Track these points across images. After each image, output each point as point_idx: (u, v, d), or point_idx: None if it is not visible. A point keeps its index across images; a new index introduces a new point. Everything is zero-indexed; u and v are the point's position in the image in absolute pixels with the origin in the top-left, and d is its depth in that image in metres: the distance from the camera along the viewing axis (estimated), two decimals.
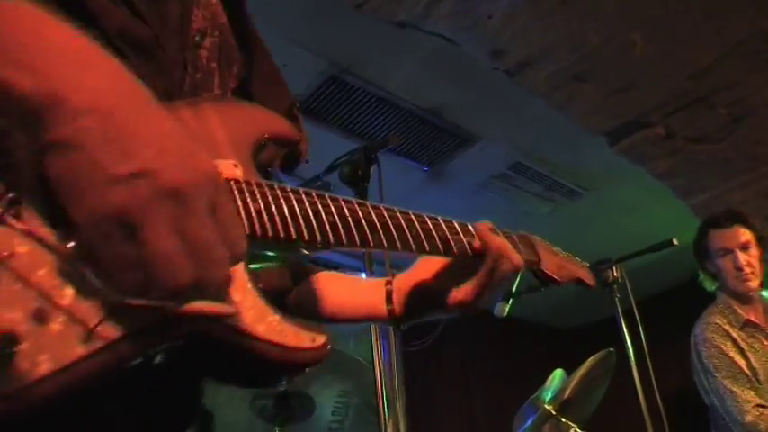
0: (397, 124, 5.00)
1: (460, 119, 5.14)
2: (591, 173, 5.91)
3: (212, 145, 1.02)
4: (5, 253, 0.73)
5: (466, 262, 1.31)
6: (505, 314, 3.63)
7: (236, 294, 0.91)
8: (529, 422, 3.72)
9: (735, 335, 3.71)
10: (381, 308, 1.38)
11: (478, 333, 6.94)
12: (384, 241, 1.15)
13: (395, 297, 1.37)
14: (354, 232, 1.10)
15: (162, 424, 1.01)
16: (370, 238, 1.12)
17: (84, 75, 0.71)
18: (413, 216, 1.23)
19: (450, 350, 7.18)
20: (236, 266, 0.91)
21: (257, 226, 0.97)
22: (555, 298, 6.89)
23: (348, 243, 1.09)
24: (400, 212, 1.21)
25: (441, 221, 1.27)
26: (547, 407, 3.72)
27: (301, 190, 1.06)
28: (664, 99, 4.72)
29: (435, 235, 1.24)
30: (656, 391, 3.49)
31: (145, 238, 0.70)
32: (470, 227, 1.32)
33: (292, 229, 1.01)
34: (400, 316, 1.37)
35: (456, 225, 1.30)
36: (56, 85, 0.69)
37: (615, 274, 3.63)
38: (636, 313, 3.61)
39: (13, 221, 0.74)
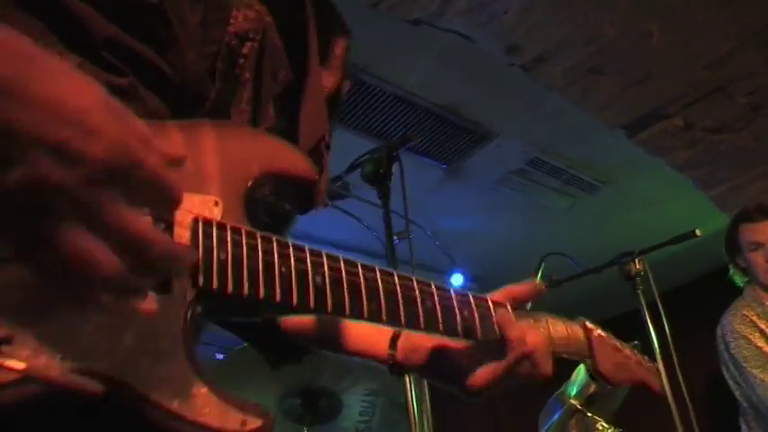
0: (414, 123, 4.99)
1: (477, 115, 5.13)
2: (609, 166, 5.88)
3: (197, 177, 0.89)
4: None
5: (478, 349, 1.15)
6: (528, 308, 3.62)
7: (161, 361, 0.78)
8: (555, 417, 3.72)
9: (763, 326, 3.69)
10: (382, 349, 1.23)
11: None
12: (383, 312, 0.99)
13: (400, 344, 1.23)
14: (346, 299, 0.94)
15: None
16: (365, 307, 0.96)
17: None
18: (433, 287, 1.08)
19: None
20: (176, 321, 0.80)
21: (215, 279, 0.82)
22: (577, 293, 6.86)
23: (334, 310, 0.93)
24: (417, 281, 1.06)
25: (461, 298, 1.11)
26: (572, 402, 3.71)
27: (292, 244, 0.92)
28: (682, 90, 4.69)
29: (458, 314, 1.09)
30: (682, 383, 3.48)
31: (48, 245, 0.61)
32: (493, 310, 1.15)
33: (261, 288, 0.85)
34: (400, 366, 1.23)
35: (476, 301, 1.14)
36: None
37: (638, 266, 3.61)
38: (659, 305, 3.60)
39: None
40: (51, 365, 0.69)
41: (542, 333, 1.20)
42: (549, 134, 5.43)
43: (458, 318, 1.09)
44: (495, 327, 1.13)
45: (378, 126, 4.99)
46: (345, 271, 0.95)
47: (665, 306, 3.58)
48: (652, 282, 3.65)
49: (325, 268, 0.93)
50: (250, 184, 0.94)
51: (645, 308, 3.57)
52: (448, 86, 4.81)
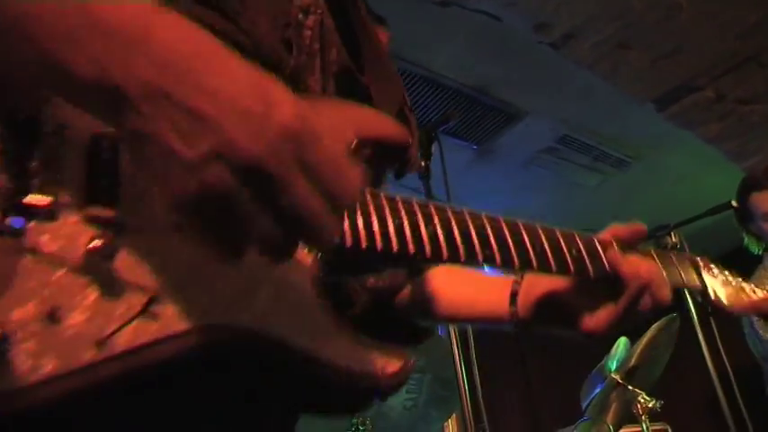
0: (443, 104, 5.01)
1: (506, 95, 5.13)
2: (638, 142, 5.86)
3: None
4: (32, 246, 0.69)
5: (590, 288, 1.17)
6: None
7: (301, 313, 0.82)
8: (596, 391, 3.74)
9: None
10: (503, 308, 1.24)
11: None
12: (497, 257, 1.02)
13: (520, 299, 1.24)
14: (460, 247, 0.98)
15: None
16: (479, 254, 0.99)
17: (132, 58, 0.63)
18: (539, 228, 1.11)
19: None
20: (305, 283, 0.83)
21: (363, 239, 0.87)
22: None
23: (451, 258, 0.97)
24: (523, 224, 1.09)
25: (567, 235, 1.13)
26: (613, 376, 3.73)
27: (399, 198, 0.95)
28: (711, 61, 4.66)
29: (566, 251, 1.11)
30: (724, 355, 3.48)
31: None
32: (600, 248, 1.16)
33: (394, 242, 0.90)
34: (523, 321, 1.23)
35: (583, 240, 1.15)
36: (109, 74, 0.63)
37: (674, 239, 3.60)
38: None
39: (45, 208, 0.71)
40: (196, 318, 0.75)
41: (654, 262, 1.20)
42: (578, 111, 5.42)
43: (567, 257, 1.11)
44: (606, 264, 1.14)
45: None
46: (455, 220, 0.99)
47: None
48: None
49: (435, 218, 0.96)
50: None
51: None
52: (477, 67, 4.82)
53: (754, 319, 3.55)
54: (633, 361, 3.72)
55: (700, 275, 1.33)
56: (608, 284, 1.14)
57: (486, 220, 1.03)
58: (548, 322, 1.23)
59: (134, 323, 0.72)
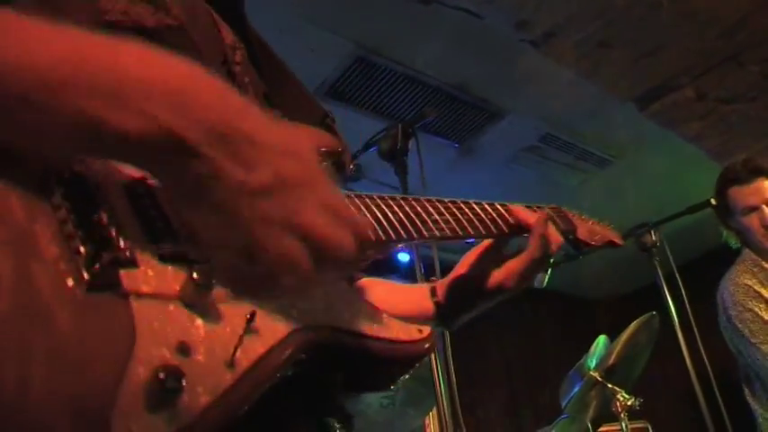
0: (425, 102, 4.99)
1: (488, 93, 5.12)
2: (620, 141, 5.87)
3: None
4: (134, 291, 0.74)
5: (498, 247, 1.39)
6: (545, 284, 3.64)
7: (351, 305, 0.97)
8: (576, 389, 3.74)
9: (767, 294, 3.55)
10: (427, 303, 1.41)
11: (513, 308, 6.95)
12: (446, 231, 1.23)
13: (438, 291, 1.41)
14: (421, 227, 1.17)
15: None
16: (435, 230, 1.20)
17: (187, 108, 0.68)
18: (460, 203, 1.31)
19: (488, 327, 7.19)
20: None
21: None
22: (597, 267, 6.86)
23: (415, 237, 1.15)
24: (449, 202, 1.29)
25: (479, 204, 1.35)
26: (592, 374, 3.73)
27: (363, 194, 1.12)
28: (692, 60, 4.67)
29: (485, 218, 1.32)
30: (703, 353, 3.48)
31: (309, 233, 0.72)
32: (501, 206, 1.39)
33: (404, 233, 1.11)
34: (445, 307, 1.40)
35: (486, 205, 1.37)
36: (164, 125, 0.66)
37: (654, 238, 3.61)
38: (677, 276, 3.60)
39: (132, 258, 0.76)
40: (289, 325, 0.86)
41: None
42: (560, 110, 5.42)
43: (481, 221, 1.32)
44: (511, 220, 1.37)
45: (389, 107, 4.99)
46: (407, 206, 1.18)
47: (683, 278, 3.59)
48: (669, 253, 3.65)
49: (395, 207, 1.15)
50: None
51: (662, 279, 3.58)
52: (458, 65, 4.80)
53: (732, 313, 3.54)
54: (612, 359, 3.72)
55: (569, 219, 1.55)
56: (501, 249, 1.39)
57: (425, 203, 1.23)
58: (465, 298, 1.40)
59: (244, 341, 0.78)
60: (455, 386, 2.41)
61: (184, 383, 0.69)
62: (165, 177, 0.72)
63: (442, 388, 2.37)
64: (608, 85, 4.88)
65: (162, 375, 0.68)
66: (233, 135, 0.69)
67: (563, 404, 3.86)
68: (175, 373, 0.69)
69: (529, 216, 1.37)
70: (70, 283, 0.69)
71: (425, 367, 2.60)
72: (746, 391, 3.56)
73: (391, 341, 0.97)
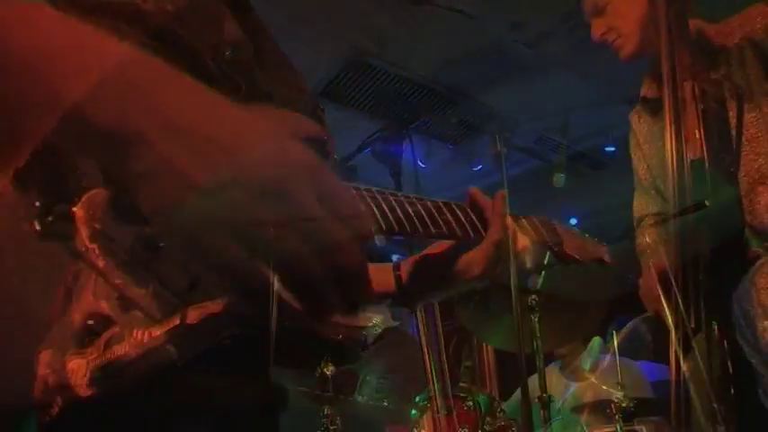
0: (420, 104, 4.99)
1: (482, 94, 5.13)
2: (616, 141, 5.87)
3: None
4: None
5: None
6: (539, 286, 3.64)
7: None
8: (570, 391, 3.74)
9: None
10: (389, 278, 1.38)
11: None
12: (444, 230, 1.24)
13: (402, 267, 1.39)
14: (417, 225, 1.17)
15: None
16: (420, 229, 1.18)
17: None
18: (453, 205, 1.30)
19: None
20: None
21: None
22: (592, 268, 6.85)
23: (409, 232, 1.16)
24: (442, 202, 1.29)
25: (436, 204, 1.31)
26: (587, 375, 3.73)
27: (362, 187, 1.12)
28: (690, 59, 4.65)
29: (463, 220, 1.30)
30: (698, 356, 3.47)
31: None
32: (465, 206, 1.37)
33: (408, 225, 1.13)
34: (406, 285, 1.37)
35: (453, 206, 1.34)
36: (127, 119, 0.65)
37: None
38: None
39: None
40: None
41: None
42: (554, 111, 5.42)
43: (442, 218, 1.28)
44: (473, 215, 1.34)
45: (384, 108, 4.99)
46: (395, 201, 1.16)
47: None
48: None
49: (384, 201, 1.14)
50: None
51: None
52: (453, 66, 4.80)
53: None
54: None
55: (557, 233, 1.53)
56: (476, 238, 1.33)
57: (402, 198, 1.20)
58: (429, 278, 1.36)
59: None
60: (449, 386, 2.41)
61: (115, 331, 0.74)
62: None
63: (435, 388, 2.36)
64: (603, 86, 4.87)
65: (92, 322, 0.74)
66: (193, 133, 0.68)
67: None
68: (107, 321, 0.74)
69: (485, 199, 1.36)
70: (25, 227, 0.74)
71: (419, 367, 2.59)
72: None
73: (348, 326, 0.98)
